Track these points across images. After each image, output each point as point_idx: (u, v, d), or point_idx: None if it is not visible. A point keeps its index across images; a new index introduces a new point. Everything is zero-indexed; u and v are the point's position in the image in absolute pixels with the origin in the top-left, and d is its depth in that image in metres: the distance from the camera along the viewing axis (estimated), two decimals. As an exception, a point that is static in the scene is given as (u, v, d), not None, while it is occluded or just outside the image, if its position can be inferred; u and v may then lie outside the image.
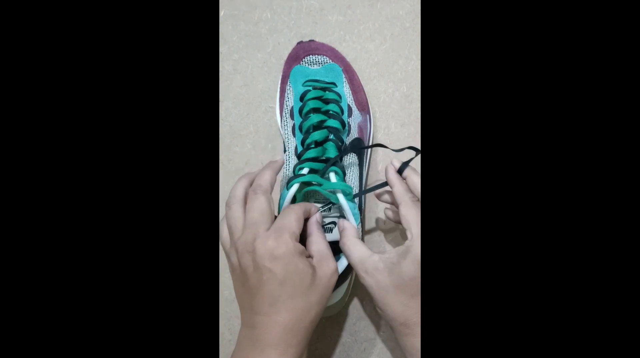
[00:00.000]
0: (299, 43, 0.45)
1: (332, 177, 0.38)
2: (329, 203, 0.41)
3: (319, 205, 0.41)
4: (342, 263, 0.37)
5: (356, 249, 0.34)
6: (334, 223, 0.41)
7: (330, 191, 0.37)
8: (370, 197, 0.46)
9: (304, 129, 0.40)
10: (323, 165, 0.38)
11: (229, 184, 0.46)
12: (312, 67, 0.44)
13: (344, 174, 0.39)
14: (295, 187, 0.37)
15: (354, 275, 0.43)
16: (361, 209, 0.41)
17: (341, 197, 0.37)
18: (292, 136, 0.42)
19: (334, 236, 0.41)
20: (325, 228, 0.41)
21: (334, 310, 0.42)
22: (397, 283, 0.32)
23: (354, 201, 0.38)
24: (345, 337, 0.44)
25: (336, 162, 0.39)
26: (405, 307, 0.32)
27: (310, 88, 0.42)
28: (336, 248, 0.42)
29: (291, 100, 0.43)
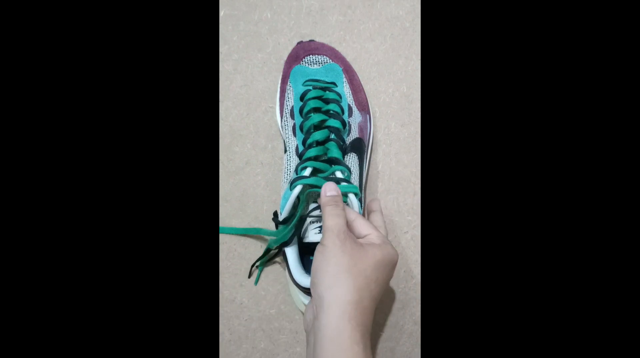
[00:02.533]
0: (299, 43, 0.45)
1: (339, 175, 0.38)
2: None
3: (318, 205, 0.41)
4: None
5: (339, 219, 0.34)
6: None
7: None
8: (369, 196, 0.46)
9: (304, 129, 0.40)
10: (325, 165, 0.38)
11: (229, 184, 0.47)
12: (312, 67, 0.44)
13: (351, 173, 0.39)
14: (298, 188, 0.37)
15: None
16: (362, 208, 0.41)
17: (353, 197, 0.37)
18: (292, 135, 0.42)
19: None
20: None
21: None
22: (354, 259, 0.32)
23: (360, 201, 0.38)
24: (345, 337, 0.44)
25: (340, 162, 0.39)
26: (352, 288, 0.31)
27: (311, 88, 0.42)
28: None
29: (291, 100, 0.43)
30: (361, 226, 0.36)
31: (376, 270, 0.32)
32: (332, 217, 0.34)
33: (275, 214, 0.40)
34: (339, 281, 0.31)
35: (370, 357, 0.31)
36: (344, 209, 0.35)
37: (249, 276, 0.42)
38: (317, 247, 0.34)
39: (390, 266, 0.34)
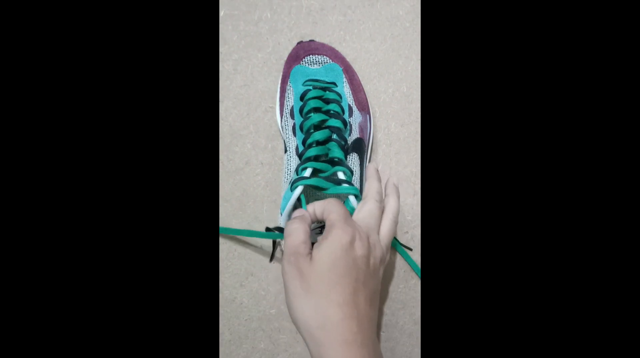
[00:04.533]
0: (299, 43, 0.45)
1: (341, 176, 0.38)
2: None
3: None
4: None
5: (299, 233, 0.32)
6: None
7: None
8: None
9: (304, 129, 0.40)
10: (326, 165, 0.38)
11: (229, 184, 0.47)
12: (312, 67, 0.44)
13: (352, 174, 0.39)
14: (299, 189, 0.37)
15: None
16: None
17: (353, 200, 0.37)
18: (292, 135, 0.42)
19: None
20: (324, 229, 0.41)
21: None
22: (307, 278, 0.30)
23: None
24: (345, 337, 0.44)
25: (342, 162, 0.39)
26: (316, 309, 0.30)
27: (311, 87, 0.42)
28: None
29: (291, 100, 0.43)
30: (320, 212, 0.35)
31: (335, 268, 0.30)
32: (286, 239, 0.33)
33: (267, 229, 0.40)
34: (313, 310, 0.30)
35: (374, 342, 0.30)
36: (301, 221, 0.33)
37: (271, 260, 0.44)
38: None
39: (345, 248, 0.30)
